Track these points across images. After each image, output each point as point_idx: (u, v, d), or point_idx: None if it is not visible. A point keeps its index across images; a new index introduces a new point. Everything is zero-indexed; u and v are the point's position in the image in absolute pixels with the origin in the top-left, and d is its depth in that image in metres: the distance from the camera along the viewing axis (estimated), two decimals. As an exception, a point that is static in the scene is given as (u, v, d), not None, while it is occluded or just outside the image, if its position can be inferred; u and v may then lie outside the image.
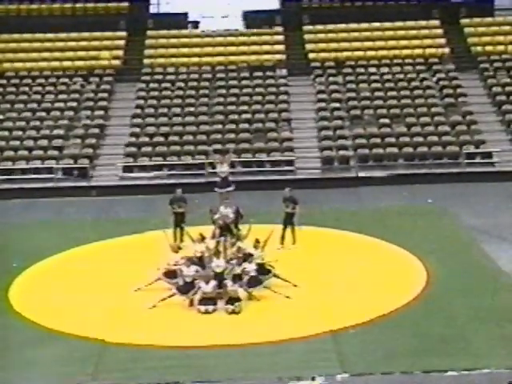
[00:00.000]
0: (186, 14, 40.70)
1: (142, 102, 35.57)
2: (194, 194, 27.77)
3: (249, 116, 34.38)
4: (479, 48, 37.43)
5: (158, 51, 38.37)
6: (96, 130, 34.14)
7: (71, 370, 15.41)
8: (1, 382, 15.02)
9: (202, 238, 19.59)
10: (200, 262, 18.88)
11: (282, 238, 22.39)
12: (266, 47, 38.28)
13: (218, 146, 32.56)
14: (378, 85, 35.87)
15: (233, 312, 17.43)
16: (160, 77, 37.11)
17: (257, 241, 19.16)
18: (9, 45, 38.60)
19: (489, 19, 39.23)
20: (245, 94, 35.73)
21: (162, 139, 33.33)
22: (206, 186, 28.56)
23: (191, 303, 17.91)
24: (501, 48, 37.32)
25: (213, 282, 17.74)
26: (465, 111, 34.18)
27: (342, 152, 32.42)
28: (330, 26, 38.96)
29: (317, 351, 15.76)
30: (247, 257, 18.70)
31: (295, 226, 22.46)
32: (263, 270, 18.69)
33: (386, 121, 33.80)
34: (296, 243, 22.42)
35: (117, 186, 31.10)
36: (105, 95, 36.22)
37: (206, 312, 17.48)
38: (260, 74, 36.93)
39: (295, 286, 18.75)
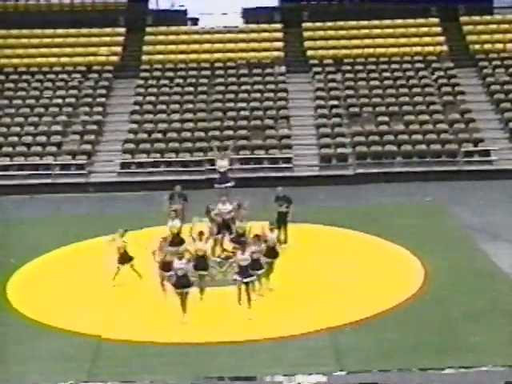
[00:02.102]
0: (185, 11, 40.67)
1: (140, 98, 35.54)
2: (194, 190, 27.88)
3: (247, 113, 34.36)
4: (478, 46, 37.40)
5: (157, 48, 38.33)
6: (94, 127, 34.11)
7: (68, 366, 15.43)
8: (-2, 377, 15.04)
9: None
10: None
11: (278, 237, 22.29)
12: (265, 44, 38.22)
13: (217, 143, 32.54)
14: (377, 82, 35.85)
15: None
16: (159, 73, 37.08)
17: (256, 236, 18.89)
18: (7, 41, 38.54)
19: (488, 17, 39.18)
20: (243, 91, 35.70)
21: (160, 136, 33.31)
22: (204, 183, 28.61)
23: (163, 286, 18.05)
24: (499, 46, 37.27)
25: (185, 260, 17.28)
26: (463, 109, 34.16)
27: (340, 149, 32.42)
28: (329, 24, 38.90)
29: (314, 348, 15.78)
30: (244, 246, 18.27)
31: (288, 225, 22.27)
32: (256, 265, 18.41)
33: (385, 118, 33.78)
34: (288, 243, 22.27)
35: (115, 183, 31.10)
36: (103, 91, 36.19)
37: (181, 294, 17.05)
38: (259, 71, 36.92)
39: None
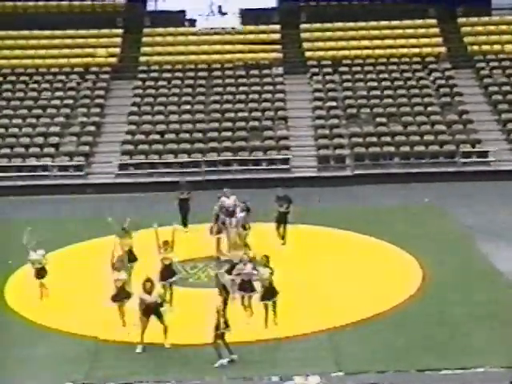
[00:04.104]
0: (183, 12, 40.66)
1: (138, 99, 35.53)
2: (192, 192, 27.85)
3: (245, 114, 34.37)
4: (476, 47, 37.46)
5: (155, 49, 38.33)
6: (92, 128, 34.11)
7: (67, 367, 15.42)
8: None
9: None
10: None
11: (279, 236, 22.52)
12: (263, 45, 38.22)
13: (215, 144, 32.61)
14: (375, 83, 35.87)
15: None
16: (156, 74, 37.09)
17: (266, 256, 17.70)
18: (5, 42, 38.54)
19: (485, 18, 39.26)
20: (241, 92, 35.71)
21: (158, 137, 33.31)
22: (202, 184, 28.66)
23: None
24: (497, 47, 37.34)
25: (155, 293, 16.26)
26: (461, 110, 34.20)
27: (338, 151, 32.43)
28: (327, 25, 38.94)
29: (312, 349, 15.77)
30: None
31: (287, 225, 22.51)
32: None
33: (383, 120, 33.81)
34: (286, 243, 22.40)
35: (113, 184, 31.09)
36: (101, 93, 36.19)
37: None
38: (256, 72, 36.93)
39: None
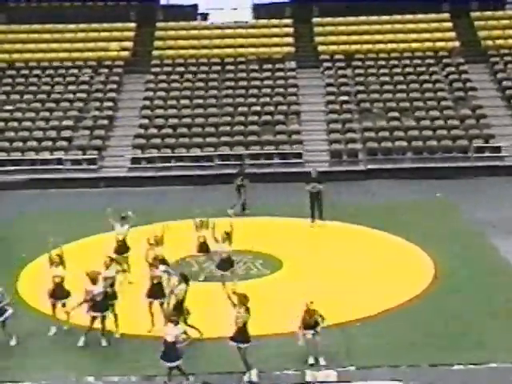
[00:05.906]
0: (195, 6, 40.69)
1: (150, 93, 35.58)
2: (204, 186, 27.97)
3: (257, 108, 34.35)
4: (489, 41, 37.28)
5: (168, 43, 38.37)
6: (105, 122, 34.19)
7: (78, 360, 15.47)
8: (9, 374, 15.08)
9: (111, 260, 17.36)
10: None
11: (313, 216, 23.80)
12: (276, 39, 38.23)
13: (227, 139, 32.62)
14: (387, 78, 35.79)
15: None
16: (169, 68, 37.13)
17: (226, 233, 17.98)
18: (18, 35, 38.69)
19: (499, 13, 39.12)
20: (254, 86, 35.71)
21: (170, 131, 33.36)
22: (214, 179, 28.72)
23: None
24: (511, 42, 37.13)
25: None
26: (474, 105, 34.07)
27: (350, 145, 32.39)
28: (340, 19, 38.89)
29: (324, 344, 15.75)
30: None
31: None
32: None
33: (395, 114, 33.73)
34: (323, 220, 23.75)
35: (125, 178, 31.17)
36: (114, 86, 36.26)
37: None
38: (269, 66, 36.90)
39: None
